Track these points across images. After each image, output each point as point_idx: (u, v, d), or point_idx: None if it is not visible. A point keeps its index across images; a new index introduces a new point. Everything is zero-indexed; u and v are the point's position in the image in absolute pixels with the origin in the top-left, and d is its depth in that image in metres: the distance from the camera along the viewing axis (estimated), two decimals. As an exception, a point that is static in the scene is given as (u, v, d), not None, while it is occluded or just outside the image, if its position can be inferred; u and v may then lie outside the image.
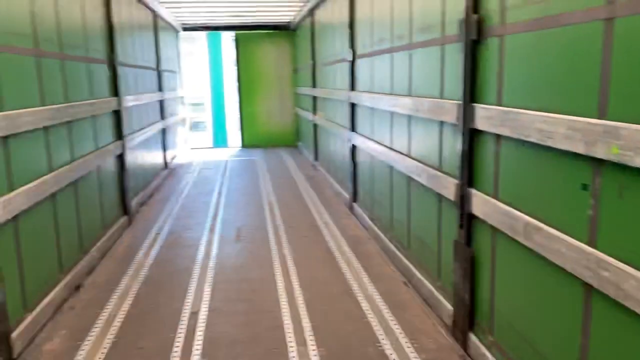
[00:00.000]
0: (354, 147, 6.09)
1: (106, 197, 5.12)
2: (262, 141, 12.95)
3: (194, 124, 16.46)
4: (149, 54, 7.93)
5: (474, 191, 2.85)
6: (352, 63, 5.90)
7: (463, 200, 2.97)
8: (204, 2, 8.81)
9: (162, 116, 8.76)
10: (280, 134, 12.99)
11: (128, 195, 5.86)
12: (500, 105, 2.55)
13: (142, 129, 7.04)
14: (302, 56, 11.21)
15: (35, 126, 3.40)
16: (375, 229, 5.08)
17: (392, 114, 4.42)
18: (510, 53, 2.47)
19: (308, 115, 10.22)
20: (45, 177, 3.54)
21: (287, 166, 9.80)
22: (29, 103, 3.40)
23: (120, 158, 5.74)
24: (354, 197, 6.13)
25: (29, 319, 3.22)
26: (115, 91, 5.57)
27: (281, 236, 5.30)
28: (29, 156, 3.38)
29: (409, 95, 3.93)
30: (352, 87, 5.94)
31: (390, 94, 4.39)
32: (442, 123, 3.33)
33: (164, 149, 8.93)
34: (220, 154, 11.91)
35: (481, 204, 2.77)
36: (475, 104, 2.78)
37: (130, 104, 6.29)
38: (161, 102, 8.71)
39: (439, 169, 3.40)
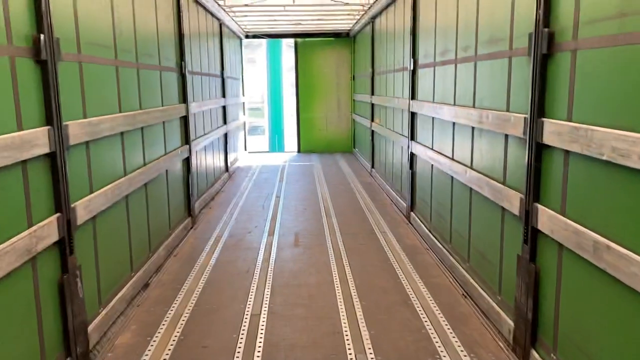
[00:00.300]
0: (412, 156, 6.09)
1: (173, 199, 5.36)
2: (318, 147, 13.11)
3: (252, 128, 16.83)
4: (214, 62, 8.23)
5: (539, 206, 2.81)
6: (413, 72, 5.91)
7: (528, 215, 2.93)
8: (267, 11, 9.04)
9: (225, 121, 9.05)
10: (336, 140, 13.11)
11: (193, 198, 6.10)
12: (570, 121, 2.52)
13: (206, 133, 7.30)
14: (360, 63, 11.28)
15: (113, 132, 3.62)
16: (433, 239, 5.06)
17: (454, 124, 4.41)
18: (582, 68, 2.43)
19: (365, 122, 10.27)
20: (121, 179, 3.76)
21: (343, 172, 9.88)
22: (109, 110, 3.62)
23: (187, 162, 5.98)
24: (412, 205, 6.12)
25: (102, 313, 3.42)
26: (183, 98, 5.82)
27: (338, 242, 5.37)
28: (107, 160, 3.60)
29: (473, 106, 3.91)
30: (412, 96, 5.95)
31: (453, 105, 4.38)
32: (507, 136, 3.30)
33: (226, 153, 9.22)
34: (277, 159, 12.13)
35: (547, 219, 2.73)
36: (543, 119, 2.75)
37: (197, 110, 6.54)
38: (224, 108, 8.99)
39: (503, 182, 3.37)
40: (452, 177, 4.49)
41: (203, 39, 7.39)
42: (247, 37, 12.41)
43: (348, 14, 9.69)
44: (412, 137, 6.03)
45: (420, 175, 5.79)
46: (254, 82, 17.97)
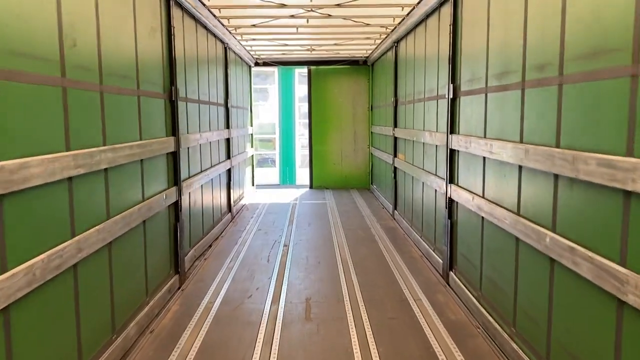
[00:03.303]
0: (451, 202, 4.97)
1: (153, 257, 4.25)
2: (332, 182, 12.06)
3: (262, 159, 15.89)
4: (217, 89, 7.24)
5: None
6: (453, 101, 4.84)
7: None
8: (278, 33, 8.08)
9: (229, 155, 8.02)
10: (352, 175, 12.06)
11: (181, 251, 4.99)
12: None
13: (204, 170, 6.26)
14: (380, 93, 10.27)
15: (52, 178, 2.56)
16: (486, 314, 3.90)
17: (521, 168, 3.31)
18: None
19: (385, 157, 9.20)
20: (63, 244, 2.68)
21: (361, 214, 8.75)
22: (43, 148, 2.57)
23: (175, 207, 4.91)
24: (450, 264, 4.98)
25: None
26: (172, 129, 4.79)
27: (362, 315, 4.22)
28: (36, 219, 2.53)
29: (557, 146, 2.81)
30: (452, 129, 4.87)
31: (520, 142, 3.29)
32: (628, 193, 2.18)
33: (228, 191, 8.15)
34: (287, 195, 11.05)
35: None
36: None
37: (193, 143, 5.52)
38: (228, 141, 7.98)
39: (619, 261, 2.23)
40: (516, 239, 3.36)
41: (203, 62, 6.41)
42: (257, 64, 11.52)
43: (367, 38, 8.72)
44: (452, 179, 4.92)
45: (463, 227, 4.66)
46: (265, 112, 17.08)
